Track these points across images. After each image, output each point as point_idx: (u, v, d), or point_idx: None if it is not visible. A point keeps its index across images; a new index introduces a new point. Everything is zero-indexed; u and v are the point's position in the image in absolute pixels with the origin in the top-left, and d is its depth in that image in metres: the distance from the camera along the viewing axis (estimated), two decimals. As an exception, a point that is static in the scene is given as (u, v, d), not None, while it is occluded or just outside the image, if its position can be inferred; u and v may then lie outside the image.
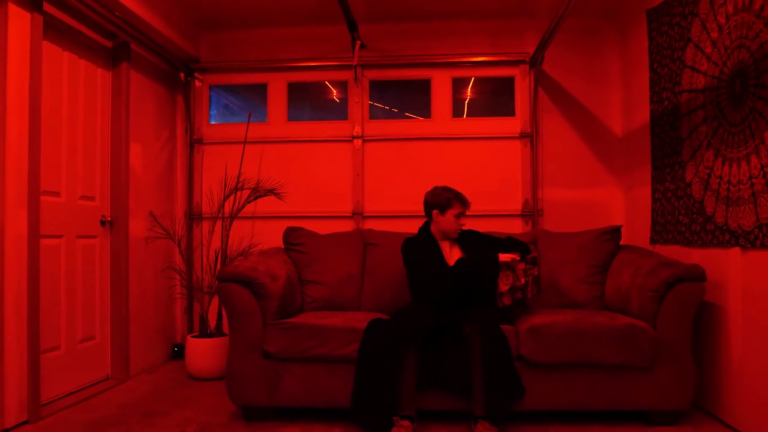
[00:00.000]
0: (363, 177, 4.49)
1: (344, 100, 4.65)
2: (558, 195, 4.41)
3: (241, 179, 4.20)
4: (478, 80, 4.64)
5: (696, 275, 2.85)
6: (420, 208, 3.39)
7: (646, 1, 3.77)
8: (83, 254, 3.54)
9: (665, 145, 3.55)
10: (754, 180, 2.60)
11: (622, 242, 3.65)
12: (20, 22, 2.92)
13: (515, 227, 4.34)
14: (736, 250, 2.78)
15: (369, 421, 2.79)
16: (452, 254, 3.25)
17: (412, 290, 3.25)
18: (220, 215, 4.17)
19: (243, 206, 4.13)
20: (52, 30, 3.26)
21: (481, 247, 3.23)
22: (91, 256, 3.63)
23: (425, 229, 3.34)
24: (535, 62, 4.31)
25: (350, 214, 4.48)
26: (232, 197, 4.14)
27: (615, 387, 2.87)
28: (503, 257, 3.00)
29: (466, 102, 4.68)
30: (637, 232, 3.97)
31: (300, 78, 4.64)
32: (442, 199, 3.23)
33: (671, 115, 3.46)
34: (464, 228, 3.30)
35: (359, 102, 4.52)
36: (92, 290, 3.62)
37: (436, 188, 3.31)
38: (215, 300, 4.07)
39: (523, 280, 3.01)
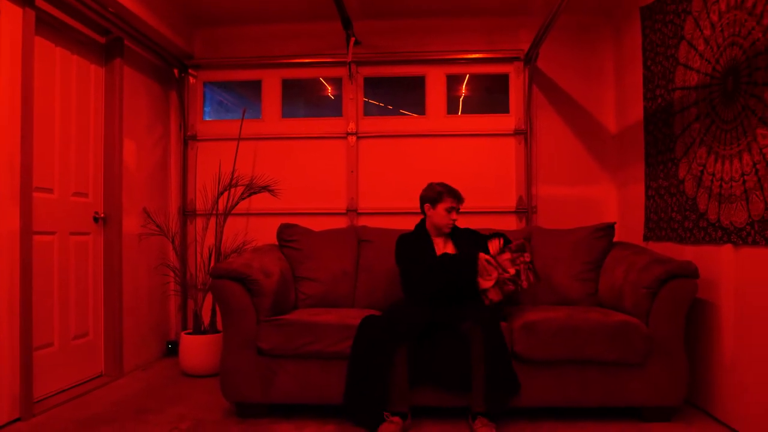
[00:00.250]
0: (357, 174, 4.49)
1: (339, 97, 4.64)
2: (552, 192, 4.42)
3: (235, 176, 4.20)
4: (472, 77, 4.64)
5: (689, 272, 2.86)
6: (414, 205, 3.40)
7: (640, -2, 3.78)
8: (76, 251, 3.52)
9: (658, 142, 3.56)
10: (746, 177, 2.61)
11: (615, 239, 3.66)
12: (12, 17, 2.90)
13: (509, 224, 4.35)
14: (729, 246, 2.79)
15: (361, 417, 2.80)
16: (446, 251, 3.25)
17: (402, 286, 3.26)
18: (214, 212, 4.16)
19: (237, 203, 4.13)
20: (45, 25, 3.24)
21: (475, 244, 3.24)
22: (85, 252, 3.62)
23: (420, 225, 3.36)
24: (529, 59, 4.31)
25: (344, 211, 4.47)
26: (226, 194, 4.13)
27: (608, 383, 2.88)
28: (482, 255, 2.99)
29: (461, 99, 4.69)
30: (631, 229, 3.98)
31: (294, 75, 4.64)
32: (433, 193, 3.25)
33: (664, 113, 3.47)
34: (456, 223, 3.29)
35: (354, 99, 4.51)
36: (85, 287, 3.61)
37: (430, 183, 3.33)
38: (209, 297, 4.07)
39: (512, 270, 2.95)
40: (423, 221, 3.36)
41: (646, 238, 3.75)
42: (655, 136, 3.61)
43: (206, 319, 4.10)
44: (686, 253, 3.20)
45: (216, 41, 4.66)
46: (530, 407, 2.91)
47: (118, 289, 3.78)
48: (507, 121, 4.46)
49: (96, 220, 3.72)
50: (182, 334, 3.94)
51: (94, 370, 3.69)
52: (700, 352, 3.07)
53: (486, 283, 2.97)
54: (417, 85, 4.56)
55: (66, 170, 3.45)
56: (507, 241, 3.15)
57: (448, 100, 4.53)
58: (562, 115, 4.45)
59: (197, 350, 3.86)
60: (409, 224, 3.73)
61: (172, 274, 4.35)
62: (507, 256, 2.98)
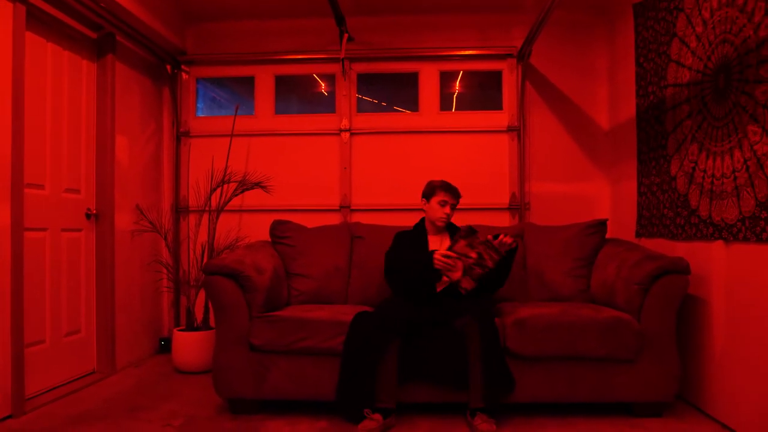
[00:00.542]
0: (350, 170, 4.48)
1: (332, 94, 4.64)
2: (545, 188, 4.43)
3: (228, 172, 4.19)
4: (466, 74, 4.64)
5: (680, 268, 2.87)
6: (408, 201, 3.43)
7: (632, -5, 3.79)
8: (68, 247, 3.51)
9: (651, 139, 3.57)
10: (737, 173, 2.62)
11: (608, 235, 3.67)
12: (2, 12, 2.88)
13: (502, 221, 4.36)
14: (720, 243, 2.81)
15: (352, 412, 2.80)
16: (441, 248, 3.24)
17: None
18: (207, 208, 4.15)
19: (230, 199, 4.12)
20: (36, 20, 3.22)
21: None
22: (77, 249, 3.60)
23: (420, 222, 3.39)
24: (522, 56, 4.31)
25: (338, 208, 4.47)
26: (218, 190, 4.12)
27: (600, 379, 2.89)
28: (436, 253, 2.99)
29: (455, 96, 4.69)
30: (623, 226, 4.00)
31: (287, 71, 4.63)
32: (429, 188, 3.31)
33: (657, 109, 3.48)
34: (452, 220, 3.30)
35: (347, 95, 4.51)
36: (77, 284, 3.60)
37: (430, 180, 3.37)
38: (202, 293, 4.06)
39: (474, 254, 2.95)
40: (423, 219, 3.39)
41: (638, 235, 3.77)
42: (647, 132, 3.63)
43: (199, 315, 4.10)
44: (678, 249, 3.21)
45: (209, 37, 4.64)
46: (522, 403, 2.92)
47: (110, 285, 3.77)
48: (500, 118, 4.47)
49: (88, 216, 3.70)
50: (175, 330, 3.93)
51: (86, 367, 3.68)
52: (692, 348, 3.08)
53: (454, 275, 2.97)
54: (410, 81, 4.56)
55: (58, 166, 3.44)
56: (470, 232, 3.09)
57: (441, 96, 4.53)
58: (556, 112, 4.45)
59: (190, 347, 3.85)
60: (402, 220, 3.75)
61: (164, 270, 4.34)
62: (462, 243, 2.96)
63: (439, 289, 3.03)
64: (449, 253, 2.96)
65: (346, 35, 4.24)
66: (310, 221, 4.02)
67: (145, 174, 4.32)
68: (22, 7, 2.99)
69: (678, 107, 3.20)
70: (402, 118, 4.61)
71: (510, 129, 4.42)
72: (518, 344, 2.87)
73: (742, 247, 2.63)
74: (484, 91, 4.74)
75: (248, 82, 4.66)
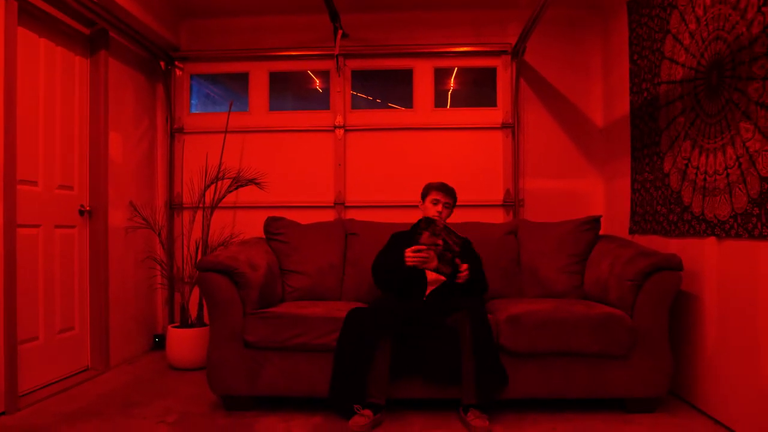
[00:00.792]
0: (345, 167, 4.48)
1: (327, 90, 4.63)
2: (539, 185, 4.44)
3: (222, 169, 4.18)
4: (460, 71, 4.64)
5: (673, 265, 2.88)
6: (402, 198, 3.44)
7: (626, -8, 3.79)
8: (61, 244, 3.50)
9: (644, 136, 3.58)
10: (729, 170, 2.63)
11: (601, 232, 3.68)
12: (-6, 7, 2.87)
13: (497, 217, 4.37)
14: (712, 239, 2.82)
15: (345, 408, 2.81)
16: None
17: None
18: (201, 205, 4.15)
19: (224, 196, 4.11)
20: (28, 16, 3.21)
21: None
22: (70, 246, 3.59)
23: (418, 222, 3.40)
24: (517, 53, 4.32)
25: (332, 204, 4.47)
26: (213, 187, 4.11)
27: (593, 375, 2.91)
28: (407, 251, 3.01)
29: (449, 93, 4.69)
30: (617, 222, 4.01)
31: (282, 67, 4.62)
32: (424, 189, 3.37)
33: (650, 106, 3.49)
34: (442, 216, 3.31)
35: (341, 92, 4.50)
36: (71, 280, 3.59)
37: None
38: (196, 290, 4.06)
39: (440, 242, 2.97)
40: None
41: (631, 231, 3.78)
42: (641, 129, 3.64)
43: (193, 312, 4.10)
44: (671, 246, 3.22)
45: (203, 33, 4.63)
46: (515, 399, 2.93)
47: (104, 282, 3.76)
48: (494, 115, 4.47)
49: (81, 213, 3.69)
50: (169, 327, 3.93)
51: (80, 363, 3.68)
52: (684, 344, 3.10)
53: (431, 265, 3.00)
54: (405, 78, 4.56)
55: (51, 163, 3.42)
56: (429, 222, 3.09)
57: (436, 93, 4.53)
58: (550, 109, 4.46)
59: (184, 343, 3.85)
60: (397, 217, 3.76)
61: (158, 267, 4.34)
62: (426, 234, 2.98)
63: (428, 292, 3.11)
64: (418, 246, 2.98)
65: (340, 32, 4.24)
66: (305, 218, 4.02)
67: (139, 170, 4.31)
68: (14, 2, 2.97)
69: (671, 104, 3.21)
70: (396, 114, 4.60)
71: (504, 126, 4.42)
72: (512, 340, 2.88)
73: (734, 243, 2.64)
74: (478, 88, 4.75)
75: (242, 79, 4.65)
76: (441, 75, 4.58)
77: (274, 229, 3.72)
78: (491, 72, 4.53)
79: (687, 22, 3.02)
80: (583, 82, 4.44)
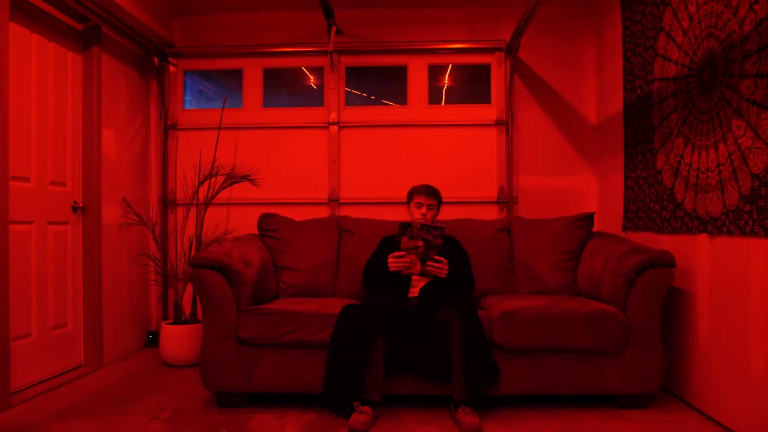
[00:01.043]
0: (339, 163, 4.48)
1: (321, 87, 4.62)
2: (533, 182, 4.44)
3: (215, 165, 4.17)
4: (454, 67, 4.64)
5: (665, 261, 2.89)
6: (396, 195, 3.45)
7: (620, -11, 3.80)
8: (54, 241, 3.49)
9: (637, 133, 3.59)
10: (721, 167, 2.64)
11: (595, 229, 3.69)
12: (-14, 3, 2.86)
13: (490, 214, 4.37)
14: (704, 236, 2.83)
15: (340, 404, 2.81)
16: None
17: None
18: (195, 201, 4.14)
19: (217, 192, 4.11)
20: (20, 11, 3.19)
21: (449, 246, 3.28)
22: (63, 242, 3.58)
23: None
24: (511, 50, 4.32)
25: (326, 201, 4.47)
26: (206, 183, 4.11)
27: (585, 371, 2.92)
28: (389, 257, 3.05)
29: (444, 89, 4.69)
30: (610, 219, 4.02)
31: (276, 64, 4.61)
32: (408, 193, 3.44)
33: (643, 103, 3.50)
34: (437, 218, 3.33)
35: (335, 88, 4.50)
36: (64, 277, 3.58)
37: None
38: (190, 287, 4.06)
39: (420, 243, 2.98)
40: None
41: (624, 228, 3.79)
42: (634, 127, 3.65)
43: (187, 308, 4.09)
44: (663, 242, 3.24)
45: (197, 29, 4.61)
46: (508, 395, 2.94)
47: (97, 279, 3.75)
48: (488, 112, 4.47)
49: (74, 209, 3.68)
50: (163, 324, 3.93)
51: (73, 360, 3.67)
52: (676, 340, 3.11)
53: (415, 269, 3.03)
54: (399, 75, 4.56)
55: (43, 159, 3.41)
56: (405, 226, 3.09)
57: (431, 90, 4.53)
58: (544, 106, 4.47)
59: (178, 340, 3.84)
60: (391, 214, 3.77)
61: (152, 264, 4.33)
62: (404, 239, 2.99)
63: (416, 291, 3.13)
64: (398, 252, 3.00)
65: (334, 28, 4.23)
66: (299, 214, 4.02)
67: (133, 167, 4.29)
68: (6, -3, 2.96)
69: (664, 101, 3.22)
70: (391, 111, 4.60)
71: (498, 123, 4.43)
72: (505, 336, 2.88)
73: (726, 240, 2.66)
74: (472, 85, 4.75)
75: (236, 75, 4.64)
76: (435, 72, 4.58)
77: (268, 225, 3.72)
78: (485, 69, 4.53)
79: (680, 19, 3.03)
80: (577, 79, 4.45)
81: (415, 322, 2.93)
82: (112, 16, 3.74)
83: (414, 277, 3.17)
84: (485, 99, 4.51)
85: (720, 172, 2.65)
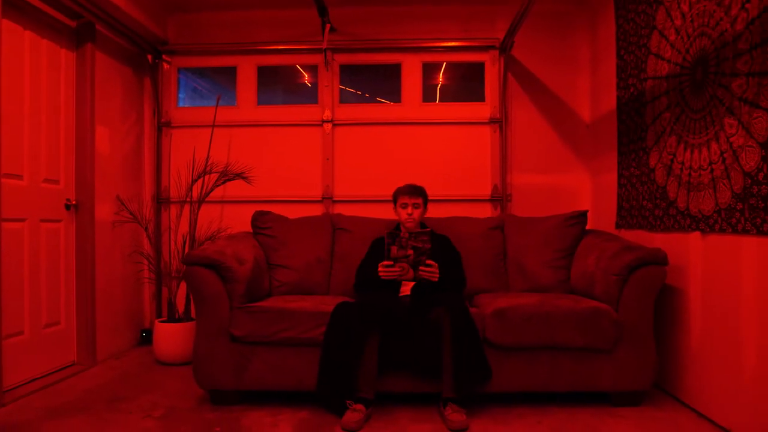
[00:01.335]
0: (333, 161, 4.48)
1: (315, 84, 4.62)
2: (527, 180, 4.45)
3: (209, 163, 4.16)
4: (449, 66, 4.64)
5: (658, 259, 2.90)
6: (389, 193, 3.43)
7: (614, -12, 3.81)
8: (47, 238, 3.48)
9: (630, 131, 3.60)
10: (714, 166, 2.65)
11: (588, 227, 3.71)
12: (-22, -1, 2.84)
13: (484, 212, 4.38)
14: (697, 234, 2.84)
15: (333, 402, 2.82)
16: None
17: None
18: (189, 199, 4.13)
19: (211, 190, 4.10)
20: (12, 8, 3.17)
21: (439, 246, 3.30)
22: (56, 240, 3.57)
23: (397, 227, 3.47)
24: (504, 48, 4.32)
25: (320, 199, 4.47)
26: (200, 181, 4.10)
27: (578, 369, 2.92)
28: (379, 266, 3.04)
29: (438, 87, 4.69)
30: (604, 217, 4.04)
31: (270, 61, 4.60)
32: (393, 195, 3.45)
33: (636, 102, 3.51)
34: (428, 215, 3.34)
35: (329, 86, 4.49)
36: (57, 275, 3.57)
37: None
38: (183, 285, 4.05)
39: (410, 251, 2.98)
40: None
41: (618, 226, 3.81)
42: (627, 125, 3.66)
43: (180, 306, 4.08)
44: (656, 240, 3.25)
45: (190, 27, 4.60)
46: (500, 392, 2.95)
47: (90, 277, 3.74)
48: (482, 110, 4.48)
49: (68, 207, 3.67)
50: (156, 322, 3.92)
51: (66, 358, 3.66)
52: (669, 338, 3.13)
53: (407, 276, 3.05)
54: (393, 73, 4.56)
55: (36, 156, 3.40)
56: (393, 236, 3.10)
57: (425, 88, 4.53)
58: (538, 104, 4.47)
59: (171, 338, 3.84)
60: (384, 212, 3.76)
61: (146, 261, 4.32)
62: (394, 249, 2.97)
63: (402, 294, 3.15)
64: (388, 262, 3.00)
65: (328, 26, 4.22)
66: (292, 212, 4.01)
67: (126, 164, 4.28)
68: (-2, -6, 2.94)
69: (657, 100, 3.23)
70: (385, 109, 4.60)
71: (492, 121, 4.43)
72: (498, 334, 2.89)
73: (718, 238, 2.67)
74: (466, 83, 4.75)
75: (230, 73, 4.63)
76: (429, 70, 4.59)
77: (262, 223, 3.72)
78: (479, 67, 4.53)
79: (672, 18, 3.04)
80: (571, 78, 4.46)
81: (407, 319, 2.93)
82: (105, 14, 3.73)
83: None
84: (479, 97, 4.52)
85: (712, 170, 2.66)
